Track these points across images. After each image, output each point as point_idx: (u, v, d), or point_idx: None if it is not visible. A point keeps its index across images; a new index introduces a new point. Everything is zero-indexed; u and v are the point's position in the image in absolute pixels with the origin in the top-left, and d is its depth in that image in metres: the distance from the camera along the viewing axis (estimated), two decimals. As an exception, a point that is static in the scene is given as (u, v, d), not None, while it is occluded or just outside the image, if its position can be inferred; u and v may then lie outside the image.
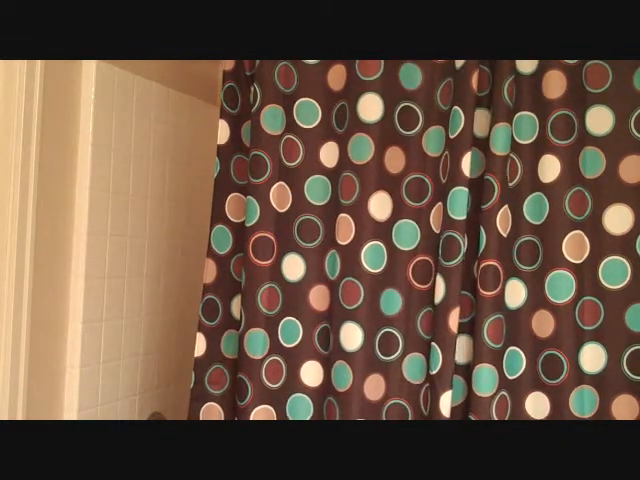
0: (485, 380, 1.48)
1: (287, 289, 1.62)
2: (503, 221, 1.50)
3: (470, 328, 1.54)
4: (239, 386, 1.62)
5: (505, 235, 1.51)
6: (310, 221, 1.61)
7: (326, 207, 1.61)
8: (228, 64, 1.67)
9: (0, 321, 1.47)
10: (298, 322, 1.61)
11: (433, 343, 1.51)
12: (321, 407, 1.60)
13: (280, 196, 1.62)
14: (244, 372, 1.61)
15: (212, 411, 1.68)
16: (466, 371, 1.53)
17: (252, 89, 1.63)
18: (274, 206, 1.61)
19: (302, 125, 1.61)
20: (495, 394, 1.48)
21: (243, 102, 1.68)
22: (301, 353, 1.61)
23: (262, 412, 1.61)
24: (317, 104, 1.61)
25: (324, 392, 1.59)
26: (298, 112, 1.61)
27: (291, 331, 1.61)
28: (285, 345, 1.62)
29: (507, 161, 1.51)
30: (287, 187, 1.62)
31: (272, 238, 1.61)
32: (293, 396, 1.61)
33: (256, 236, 1.60)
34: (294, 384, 1.61)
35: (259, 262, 1.61)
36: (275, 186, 1.61)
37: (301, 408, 1.61)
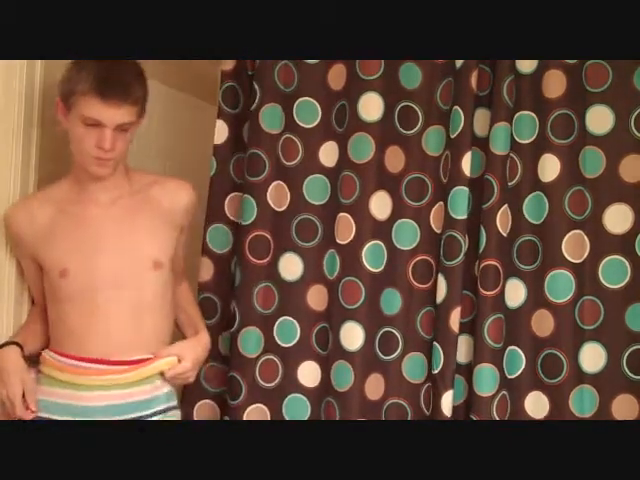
0: (486, 380, 1.48)
1: (284, 288, 1.61)
2: (503, 220, 1.50)
3: (471, 328, 1.54)
4: (232, 385, 1.60)
5: (505, 235, 1.51)
6: (308, 220, 1.61)
7: (325, 206, 1.60)
8: (227, 64, 1.66)
9: (0, 321, 1.47)
10: (295, 322, 1.60)
11: (435, 343, 1.51)
12: (319, 408, 1.59)
13: (278, 195, 1.61)
14: (237, 370, 1.59)
15: (206, 409, 1.66)
16: (467, 371, 1.53)
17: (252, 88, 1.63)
18: (271, 205, 1.61)
19: (302, 124, 1.61)
20: (496, 394, 1.48)
21: (244, 102, 1.67)
22: (298, 353, 1.60)
23: (255, 411, 1.59)
24: (317, 103, 1.60)
25: (322, 393, 1.58)
26: (298, 111, 1.60)
27: (288, 331, 1.60)
28: (281, 344, 1.61)
29: (507, 161, 1.51)
30: (285, 186, 1.61)
31: (269, 237, 1.60)
32: (290, 396, 1.60)
33: (252, 235, 1.60)
34: (291, 384, 1.60)
35: (255, 261, 1.60)
36: (273, 185, 1.61)
37: (298, 408, 1.59)
